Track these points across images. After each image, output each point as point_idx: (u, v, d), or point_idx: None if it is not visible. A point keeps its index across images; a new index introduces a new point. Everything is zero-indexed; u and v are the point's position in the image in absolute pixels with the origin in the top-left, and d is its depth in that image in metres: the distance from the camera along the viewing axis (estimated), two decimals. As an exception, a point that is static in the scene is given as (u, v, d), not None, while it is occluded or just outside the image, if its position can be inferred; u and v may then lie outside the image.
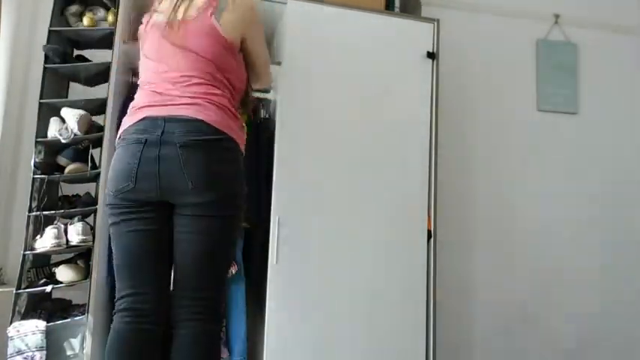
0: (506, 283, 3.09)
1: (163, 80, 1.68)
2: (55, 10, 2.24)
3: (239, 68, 1.83)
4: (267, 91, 2.53)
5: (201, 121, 1.58)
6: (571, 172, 3.27)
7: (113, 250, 1.63)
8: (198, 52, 1.70)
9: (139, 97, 1.71)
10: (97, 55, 2.27)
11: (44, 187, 2.10)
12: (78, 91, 2.40)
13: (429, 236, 2.36)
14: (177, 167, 1.53)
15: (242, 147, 1.72)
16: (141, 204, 1.58)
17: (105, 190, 1.68)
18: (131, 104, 1.71)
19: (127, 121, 1.66)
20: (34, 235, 2.08)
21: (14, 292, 2.01)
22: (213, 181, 1.56)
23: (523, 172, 3.21)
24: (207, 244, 1.58)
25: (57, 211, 2.11)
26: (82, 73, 2.27)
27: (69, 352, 1.99)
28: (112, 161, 1.65)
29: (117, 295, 1.60)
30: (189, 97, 1.62)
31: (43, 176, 2.10)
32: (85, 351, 1.97)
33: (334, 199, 2.28)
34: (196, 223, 1.57)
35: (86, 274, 2.04)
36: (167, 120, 1.57)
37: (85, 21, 2.22)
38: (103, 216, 1.97)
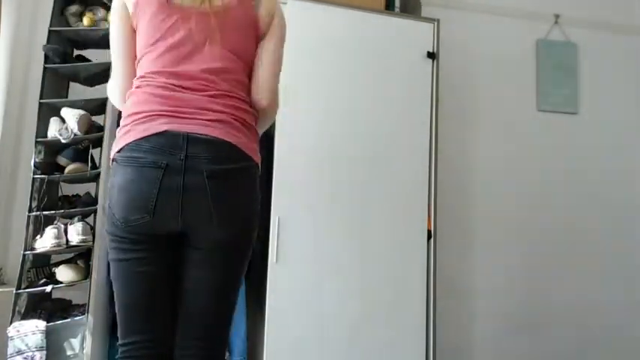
0: (506, 283, 3.09)
1: (184, 82, 1.38)
2: (55, 10, 2.24)
3: None
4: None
5: (229, 144, 1.35)
6: (571, 172, 3.27)
7: (116, 288, 1.39)
8: (237, 53, 1.44)
9: (148, 98, 1.38)
10: (97, 55, 2.27)
11: (44, 187, 2.10)
12: (78, 91, 2.40)
13: (429, 236, 2.36)
14: (204, 200, 1.31)
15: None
16: (155, 237, 1.35)
17: (106, 210, 1.38)
18: (133, 103, 1.39)
19: (137, 130, 1.34)
20: (34, 235, 2.09)
21: (14, 292, 2.01)
22: (238, 215, 1.38)
23: (523, 172, 3.21)
24: (222, 282, 1.40)
25: (57, 211, 2.12)
26: (82, 73, 2.27)
27: (69, 352, 1.99)
28: (118, 181, 1.34)
29: (122, 340, 1.38)
30: (216, 111, 1.36)
31: (43, 176, 2.10)
32: (85, 351, 1.97)
33: (334, 199, 2.28)
34: (213, 257, 1.38)
35: (86, 274, 2.04)
36: (190, 139, 1.31)
37: (85, 21, 2.22)
38: (102, 216, 1.97)
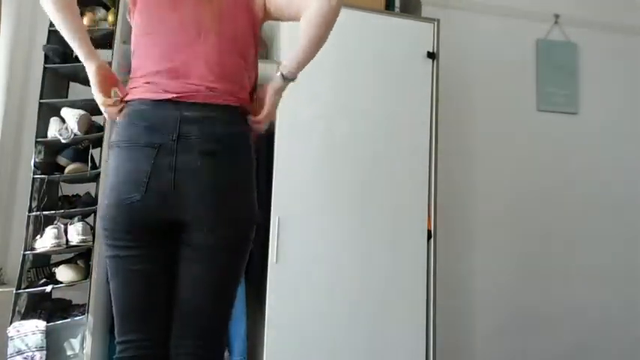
0: (506, 283, 3.09)
1: (172, 82, 1.35)
2: (55, 10, 2.24)
3: (257, 64, 1.50)
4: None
5: (219, 120, 1.34)
6: (571, 172, 3.27)
7: (112, 286, 1.38)
8: (236, 41, 1.40)
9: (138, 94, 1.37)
10: (96, 55, 2.26)
11: (44, 187, 2.11)
12: (78, 91, 2.40)
13: (429, 236, 2.36)
14: (198, 179, 1.31)
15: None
16: (149, 232, 1.33)
17: (103, 200, 1.37)
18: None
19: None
20: (34, 235, 2.09)
21: (14, 292, 2.02)
22: (234, 206, 1.36)
23: (523, 172, 3.21)
24: (218, 281, 1.38)
25: (57, 211, 2.12)
26: (82, 73, 2.24)
27: (69, 352, 1.99)
28: (112, 164, 1.35)
29: (119, 338, 1.37)
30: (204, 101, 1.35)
31: (43, 176, 2.10)
32: (85, 351, 1.97)
33: (334, 199, 2.28)
34: (214, 254, 1.35)
35: (86, 274, 2.04)
36: (182, 119, 1.31)
37: (85, 21, 2.22)
38: (103, 216, 1.97)
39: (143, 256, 1.34)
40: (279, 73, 1.44)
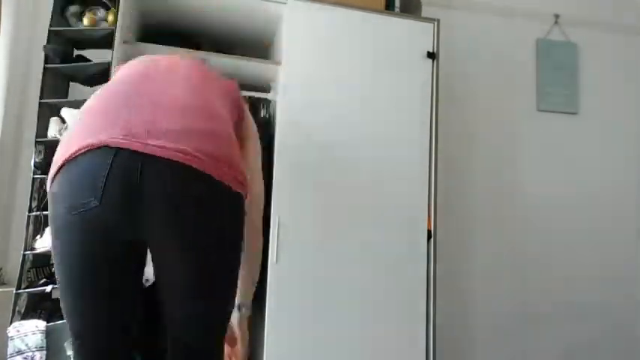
0: (506, 283, 3.09)
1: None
2: (55, 10, 2.24)
3: None
4: (267, 90, 2.53)
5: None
6: (571, 172, 3.27)
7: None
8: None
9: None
10: (97, 55, 2.27)
11: (44, 187, 2.10)
12: (78, 91, 2.40)
13: (429, 236, 2.36)
14: (163, 204, 1.16)
15: None
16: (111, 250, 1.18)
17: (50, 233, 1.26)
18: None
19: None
20: (34, 235, 2.09)
21: (14, 292, 2.01)
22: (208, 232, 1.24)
23: (523, 172, 3.21)
24: (205, 278, 1.23)
25: (57, 211, 2.11)
26: (82, 73, 2.27)
27: (69, 352, 1.98)
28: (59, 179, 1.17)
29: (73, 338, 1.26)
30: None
31: (43, 176, 2.10)
32: (85, 351, 1.96)
33: (334, 199, 2.28)
34: (186, 256, 1.20)
35: (86, 274, 2.04)
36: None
37: (85, 21, 2.22)
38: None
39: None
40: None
